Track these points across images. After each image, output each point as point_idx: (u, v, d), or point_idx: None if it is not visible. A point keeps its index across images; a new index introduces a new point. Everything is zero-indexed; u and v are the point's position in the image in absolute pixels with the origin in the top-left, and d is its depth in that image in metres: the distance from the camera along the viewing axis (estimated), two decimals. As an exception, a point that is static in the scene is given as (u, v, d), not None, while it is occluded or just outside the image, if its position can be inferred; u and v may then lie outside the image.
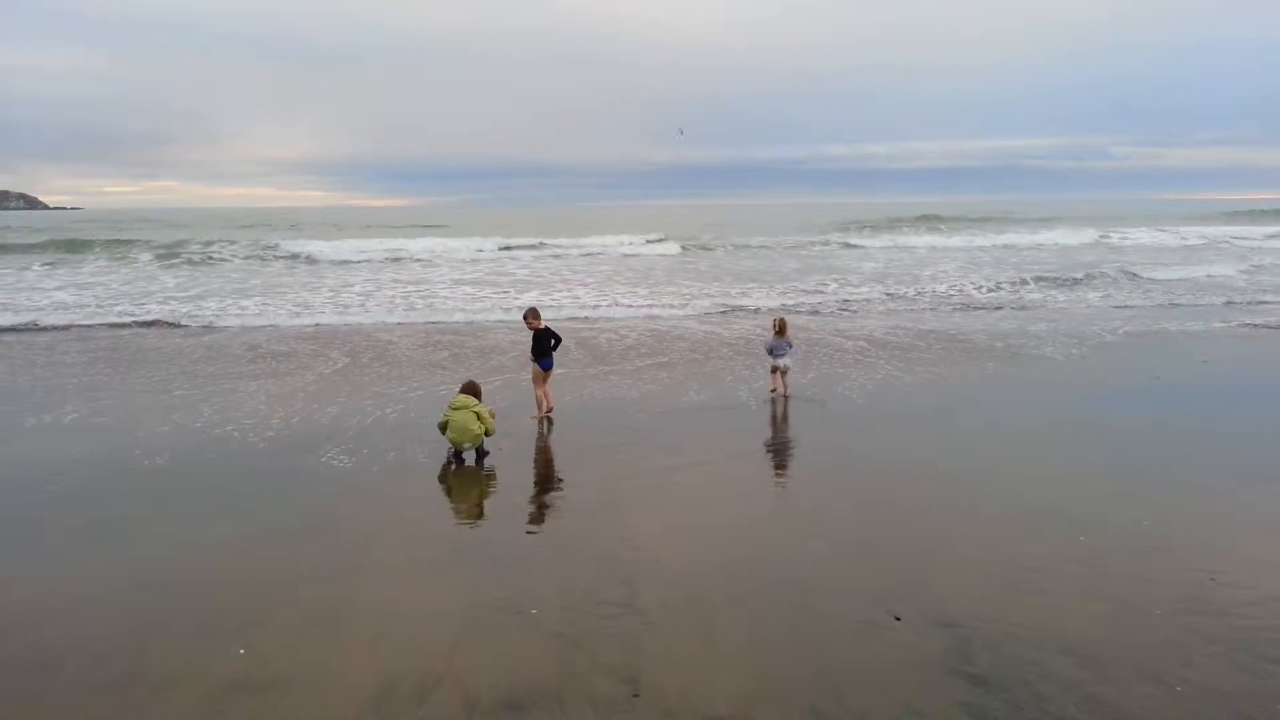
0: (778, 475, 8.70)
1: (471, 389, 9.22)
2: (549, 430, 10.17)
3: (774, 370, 11.56)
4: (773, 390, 11.57)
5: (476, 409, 8.89)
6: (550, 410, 10.61)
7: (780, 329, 11.53)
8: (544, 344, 10.58)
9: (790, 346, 11.61)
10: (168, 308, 21.15)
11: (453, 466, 8.79)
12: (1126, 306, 21.72)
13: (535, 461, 8.99)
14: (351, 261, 34.63)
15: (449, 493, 8.17)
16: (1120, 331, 17.22)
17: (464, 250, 39.20)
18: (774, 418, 10.73)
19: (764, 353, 11.97)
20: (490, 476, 8.59)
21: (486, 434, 8.94)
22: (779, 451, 9.40)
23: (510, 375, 12.97)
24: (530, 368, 10.77)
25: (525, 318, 10.89)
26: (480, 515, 7.67)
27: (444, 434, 8.87)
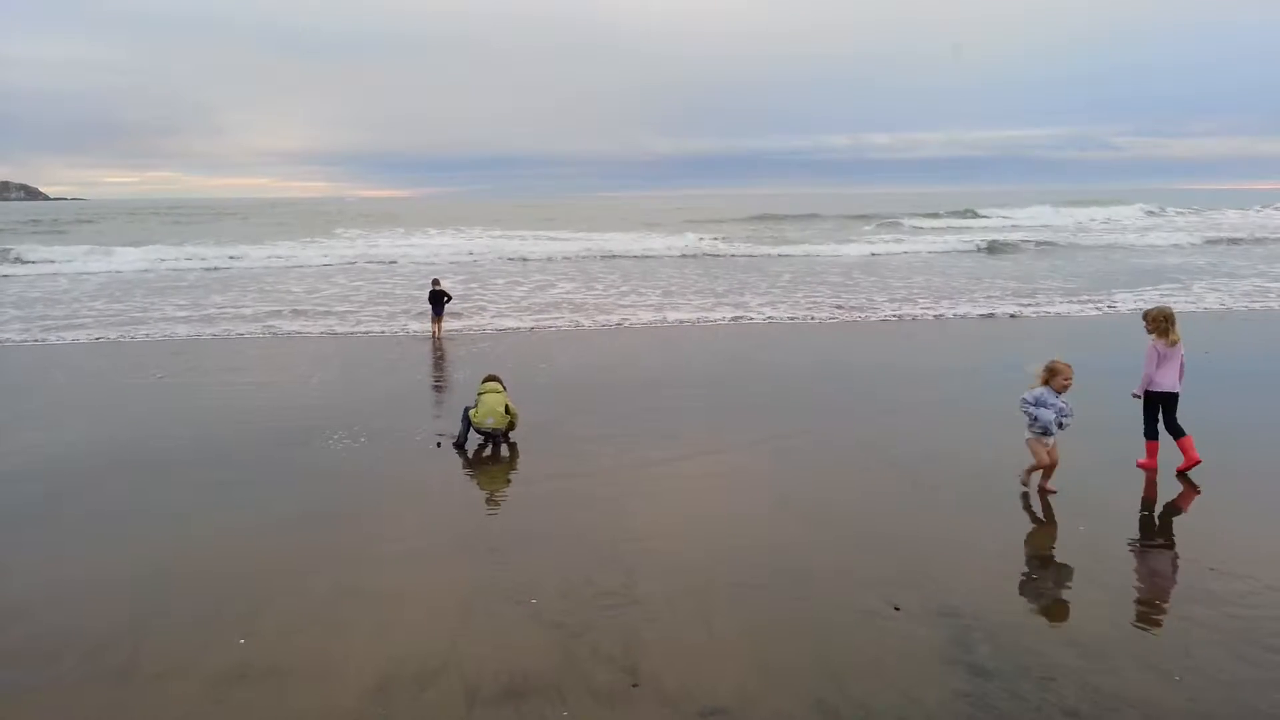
0: (777, 466, 8.67)
1: (495, 379, 9.46)
2: (441, 351, 14.82)
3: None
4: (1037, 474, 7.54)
5: (505, 398, 9.13)
6: (440, 337, 15.91)
7: (1064, 377, 7.23)
8: (439, 300, 16.22)
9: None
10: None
11: (440, 446, 8.99)
12: None
13: (536, 451, 8.98)
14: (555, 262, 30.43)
15: (449, 481, 8.16)
16: None
17: (661, 246, 35.38)
18: (778, 410, 10.70)
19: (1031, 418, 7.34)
20: (490, 465, 8.59)
21: (510, 426, 9.11)
22: (779, 442, 9.37)
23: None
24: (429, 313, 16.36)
25: (433, 281, 16.89)
26: (480, 504, 7.66)
27: (469, 418, 8.92)
